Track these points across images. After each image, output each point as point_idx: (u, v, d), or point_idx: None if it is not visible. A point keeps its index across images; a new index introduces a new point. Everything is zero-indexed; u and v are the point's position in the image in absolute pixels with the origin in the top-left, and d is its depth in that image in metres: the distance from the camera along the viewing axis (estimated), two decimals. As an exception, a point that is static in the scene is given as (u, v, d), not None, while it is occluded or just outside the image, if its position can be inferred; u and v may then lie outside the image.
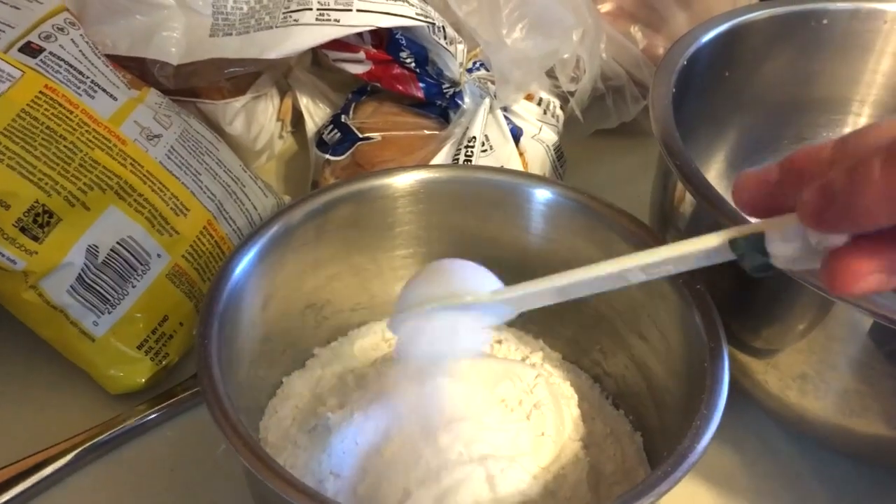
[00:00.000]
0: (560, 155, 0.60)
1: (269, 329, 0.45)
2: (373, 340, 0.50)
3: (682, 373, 0.40)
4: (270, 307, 0.44)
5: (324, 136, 0.59)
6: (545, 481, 0.39)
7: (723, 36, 0.54)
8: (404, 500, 0.38)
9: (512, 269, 0.43)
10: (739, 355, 0.44)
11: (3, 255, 0.45)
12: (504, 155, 0.56)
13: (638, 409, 0.46)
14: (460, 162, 0.55)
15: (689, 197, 0.47)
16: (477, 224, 0.46)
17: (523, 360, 0.48)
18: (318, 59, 0.65)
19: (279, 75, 0.64)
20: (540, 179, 0.45)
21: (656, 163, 0.53)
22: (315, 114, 0.64)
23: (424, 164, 0.53)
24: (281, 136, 0.68)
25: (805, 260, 0.29)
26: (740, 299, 0.44)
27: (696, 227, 0.47)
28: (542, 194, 0.45)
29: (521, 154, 0.57)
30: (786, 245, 0.29)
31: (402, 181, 0.45)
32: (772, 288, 0.42)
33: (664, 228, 0.51)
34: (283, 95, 0.66)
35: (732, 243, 0.31)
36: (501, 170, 0.47)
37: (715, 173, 0.60)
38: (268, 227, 0.43)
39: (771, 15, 0.55)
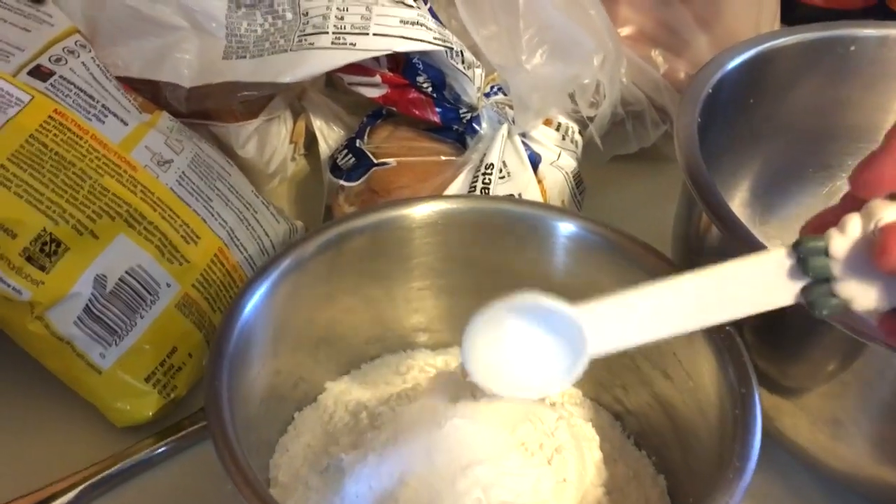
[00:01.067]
0: (579, 181, 0.58)
1: (281, 364, 0.43)
2: (386, 374, 0.48)
3: (711, 416, 0.39)
4: (282, 342, 0.43)
5: (338, 161, 0.58)
6: (567, 530, 0.37)
7: (748, 63, 0.52)
8: None
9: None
10: (768, 396, 0.42)
11: (9, 286, 0.44)
12: (522, 182, 0.55)
13: (661, 450, 0.44)
14: (477, 189, 0.53)
15: (715, 229, 0.46)
16: (496, 256, 0.45)
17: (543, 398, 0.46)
18: (332, 81, 0.64)
19: (293, 97, 0.63)
20: (563, 212, 0.44)
21: (680, 190, 0.52)
22: (329, 136, 0.63)
23: (442, 195, 0.52)
24: (293, 159, 0.66)
25: (860, 258, 0.29)
26: (768, 337, 0.42)
27: (721, 259, 0.46)
28: (566, 227, 0.43)
29: (539, 181, 0.56)
30: (845, 238, 0.29)
31: (420, 212, 0.44)
32: (800, 326, 0.41)
33: (688, 258, 0.49)
34: (296, 117, 0.64)
35: (796, 246, 0.30)
36: (523, 201, 0.45)
37: (738, 202, 0.58)
38: (279, 260, 0.41)
39: (797, 41, 0.54)
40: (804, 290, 0.30)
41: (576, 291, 0.44)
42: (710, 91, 0.50)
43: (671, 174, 0.68)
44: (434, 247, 0.45)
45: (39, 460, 0.47)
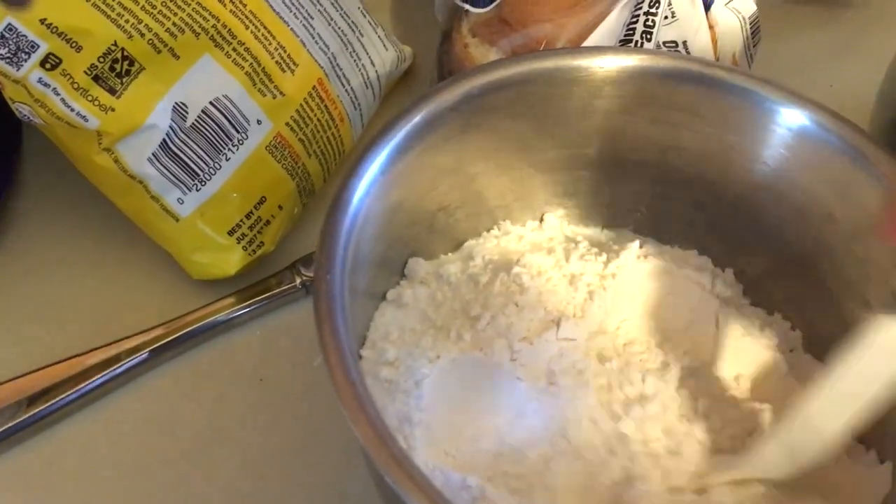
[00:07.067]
0: (755, 30, 0.47)
1: (394, 238, 0.36)
2: (506, 245, 0.41)
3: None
4: (400, 213, 0.35)
5: (464, -21, 0.47)
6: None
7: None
8: None
9: (722, 204, 0.34)
10: None
11: (72, 110, 0.36)
12: (690, 26, 0.44)
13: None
14: (637, 32, 0.43)
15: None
16: (681, 136, 0.36)
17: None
18: None
19: None
20: (791, 95, 0.33)
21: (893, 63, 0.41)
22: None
23: (629, 48, 0.41)
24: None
25: None
26: None
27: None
28: (792, 117, 0.33)
29: (710, 27, 0.45)
30: None
31: (599, 66, 0.34)
32: None
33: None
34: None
35: None
36: (739, 71, 0.34)
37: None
38: (407, 117, 0.33)
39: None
40: None
41: (783, 200, 0.35)
42: None
43: (852, 23, 0.57)
44: (603, 112, 0.35)
45: (104, 311, 0.42)
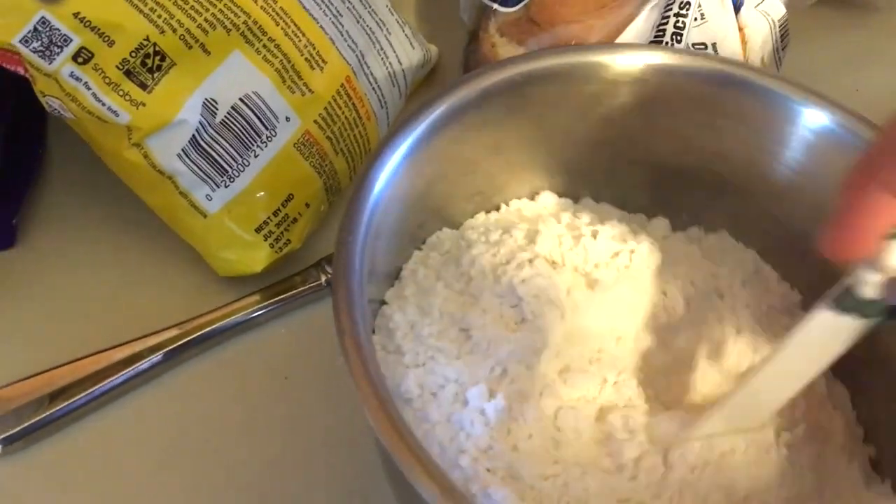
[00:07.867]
0: (784, 33, 0.47)
1: (428, 216, 0.36)
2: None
3: None
4: (433, 193, 0.35)
5: (492, -22, 0.47)
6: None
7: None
8: None
9: (739, 198, 0.34)
10: None
11: (103, 104, 0.36)
12: (720, 28, 0.44)
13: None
14: (667, 33, 0.43)
15: None
16: (709, 135, 0.35)
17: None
18: None
19: None
20: (813, 95, 0.34)
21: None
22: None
23: (663, 47, 0.42)
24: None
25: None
26: None
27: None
28: (815, 117, 0.33)
29: (740, 28, 0.45)
30: (873, 275, 0.28)
31: (624, 63, 0.35)
32: None
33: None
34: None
35: (839, 302, 0.29)
36: (766, 72, 0.35)
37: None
38: (441, 99, 0.33)
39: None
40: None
41: (803, 199, 0.35)
42: None
43: (880, 26, 0.57)
44: (631, 109, 0.35)
45: (127, 307, 0.41)
